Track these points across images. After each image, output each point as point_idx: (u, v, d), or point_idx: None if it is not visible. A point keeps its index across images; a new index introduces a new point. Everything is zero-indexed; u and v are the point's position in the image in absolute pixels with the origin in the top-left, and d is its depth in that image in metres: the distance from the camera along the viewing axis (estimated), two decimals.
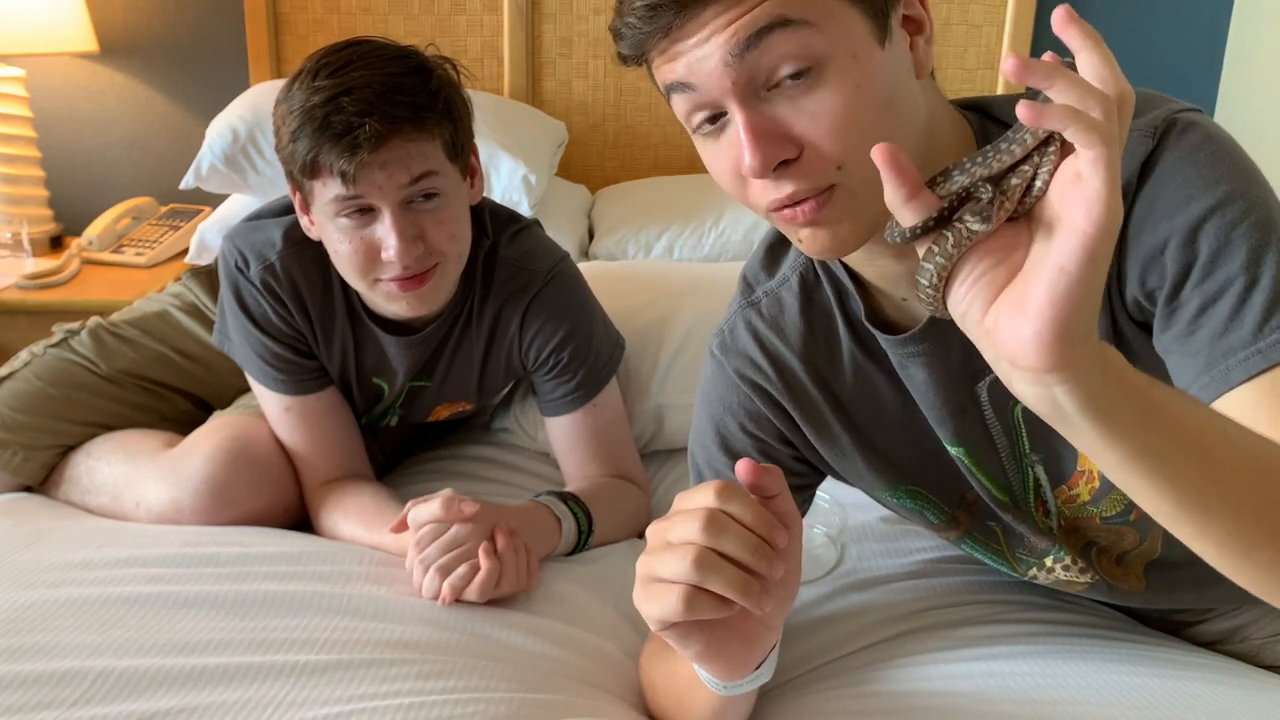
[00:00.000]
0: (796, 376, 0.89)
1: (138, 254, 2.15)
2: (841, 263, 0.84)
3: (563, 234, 2.10)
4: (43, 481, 1.26)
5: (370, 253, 1.07)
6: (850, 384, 0.88)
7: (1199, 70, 2.38)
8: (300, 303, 1.19)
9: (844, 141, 0.68)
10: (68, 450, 1.27)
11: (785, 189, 0.69)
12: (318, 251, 1.17)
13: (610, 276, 1.61)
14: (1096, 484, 0.86)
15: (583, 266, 1.77)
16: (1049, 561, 0.93)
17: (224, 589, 0.98)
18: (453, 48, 2.39)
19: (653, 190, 2.27)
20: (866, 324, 0.84)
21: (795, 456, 0.93)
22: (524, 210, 2.00)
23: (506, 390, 1.39)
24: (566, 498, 1.17)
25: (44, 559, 1.03)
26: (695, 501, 0.65)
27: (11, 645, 0.87)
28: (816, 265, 0.87)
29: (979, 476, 0.88)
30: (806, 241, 0.73)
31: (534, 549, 1.07)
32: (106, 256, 2.14)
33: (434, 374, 1.27)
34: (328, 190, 1.05)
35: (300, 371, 1.21)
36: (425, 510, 1.04)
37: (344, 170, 1.02)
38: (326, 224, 1.09)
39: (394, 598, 1.01)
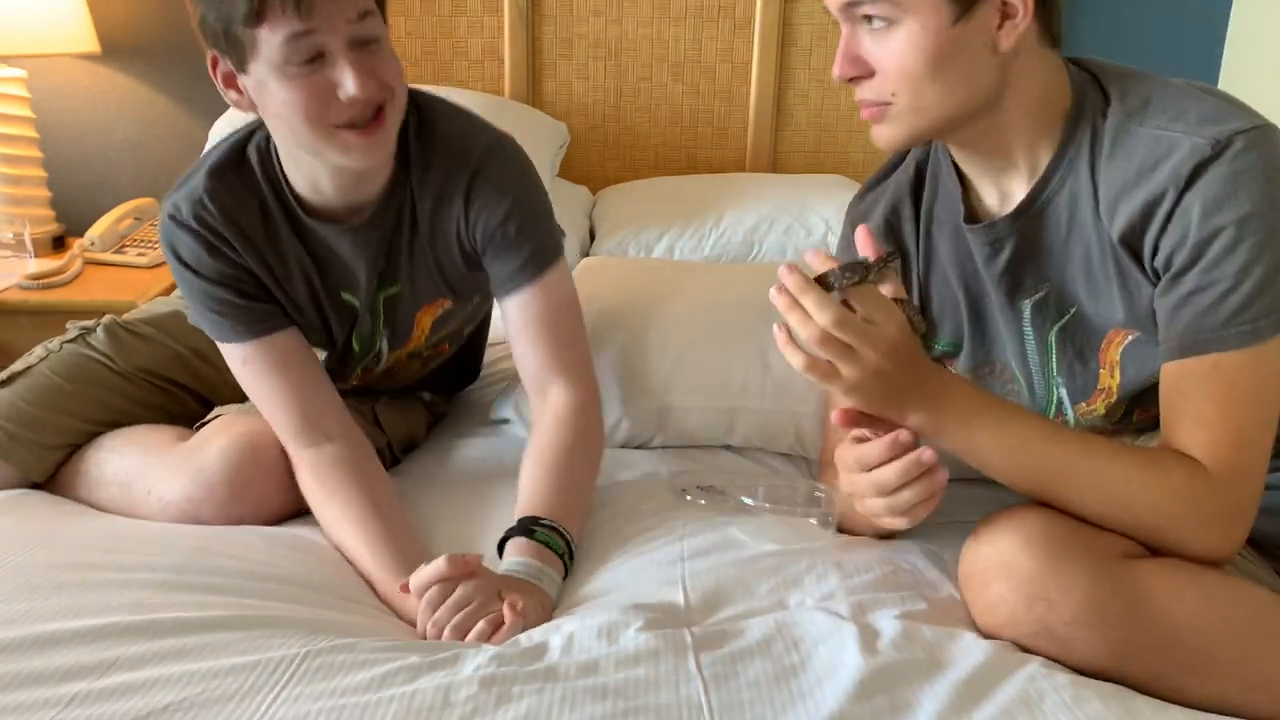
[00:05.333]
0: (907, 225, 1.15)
1: (139, 254, 2.15)
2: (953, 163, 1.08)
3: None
4: (50, 478, 1.27)
5: (324, 96, 1.05)
6: (939, 244, 1.12)
7: (1199, 70, 2.39)
8: (239, 230, 1.17)
9: (898, 81, 0.94)
10: (75, 449, 1.27)
11: (859, 93, 0.98)
12: (242, 173, 1.18)
13: (611, 276, 1.61)
14: (1114, 398, 1.04)
15: (588, 261, 1.79)
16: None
17: (226, 600, 0.98)
18: (453, 49, 2.40)
19: (653, 191, 2.27)
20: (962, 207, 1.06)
21: None
22: None
23: (482, 300, 1.36)
24: (550, 540, 1.09)
25: (46, 559, 1.03)
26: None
27: (8, 644, 0.88)
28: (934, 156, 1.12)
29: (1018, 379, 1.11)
30: (872, 133, 1.00)
31: (546, 606, 1.04)
32: (108, 257, 2.15)
33: (399, 275, 1.25)
34: (275, 35, 1.02)
35: (251, 314, 1.19)
36: (430, 571, 1.00)
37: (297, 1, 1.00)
38: (269, 80, 1.05)
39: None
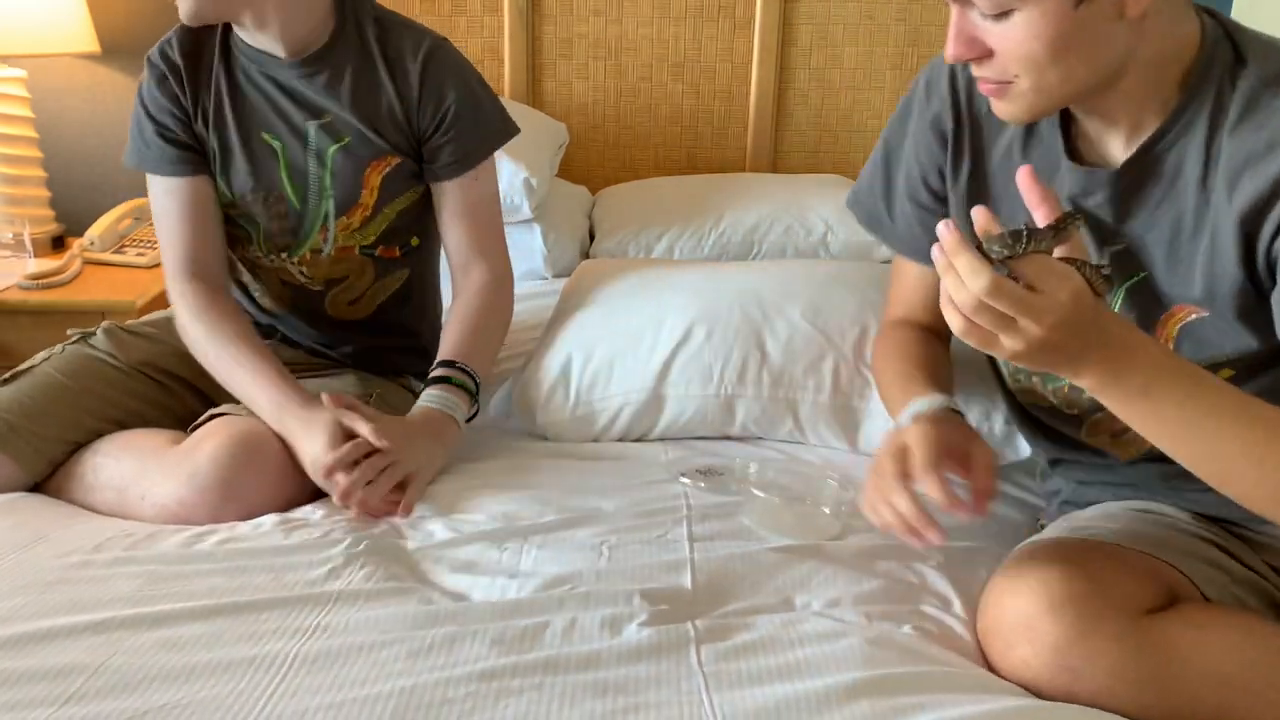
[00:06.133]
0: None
1: (139, 254, 2.15)
2: None
3: (564, 235, 2.10)
4: (47, 479, 1.27)
5: None
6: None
7: None
8: (187, 64, 1.36)
9: (1019, 64, 0.89)
10: (74, 449, 1.28)
11: (976, 71, 0.94)
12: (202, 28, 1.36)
13: (610, 272, 1.61)
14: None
15: (586, 264, 1.79)
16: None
17: (217, 584, 0.99)
18: None
19: (653, 191, 2.27)
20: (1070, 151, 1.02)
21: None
22: (525, 213, 2.01)
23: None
24: (453, 376, 1.33)
25: (41, 557, 1.03)
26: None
27: (4, 642, 0.88)
28: None
29: None
30: (994, 108, 0.97)
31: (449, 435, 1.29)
32: (108, 257, 2.15)
33: (346, 121, 1.35)
34: None
35: (173, 155, 1.36)
36: (350, 449, 1.18)
37: None
38: None
39: (381, 586, 1.02)
